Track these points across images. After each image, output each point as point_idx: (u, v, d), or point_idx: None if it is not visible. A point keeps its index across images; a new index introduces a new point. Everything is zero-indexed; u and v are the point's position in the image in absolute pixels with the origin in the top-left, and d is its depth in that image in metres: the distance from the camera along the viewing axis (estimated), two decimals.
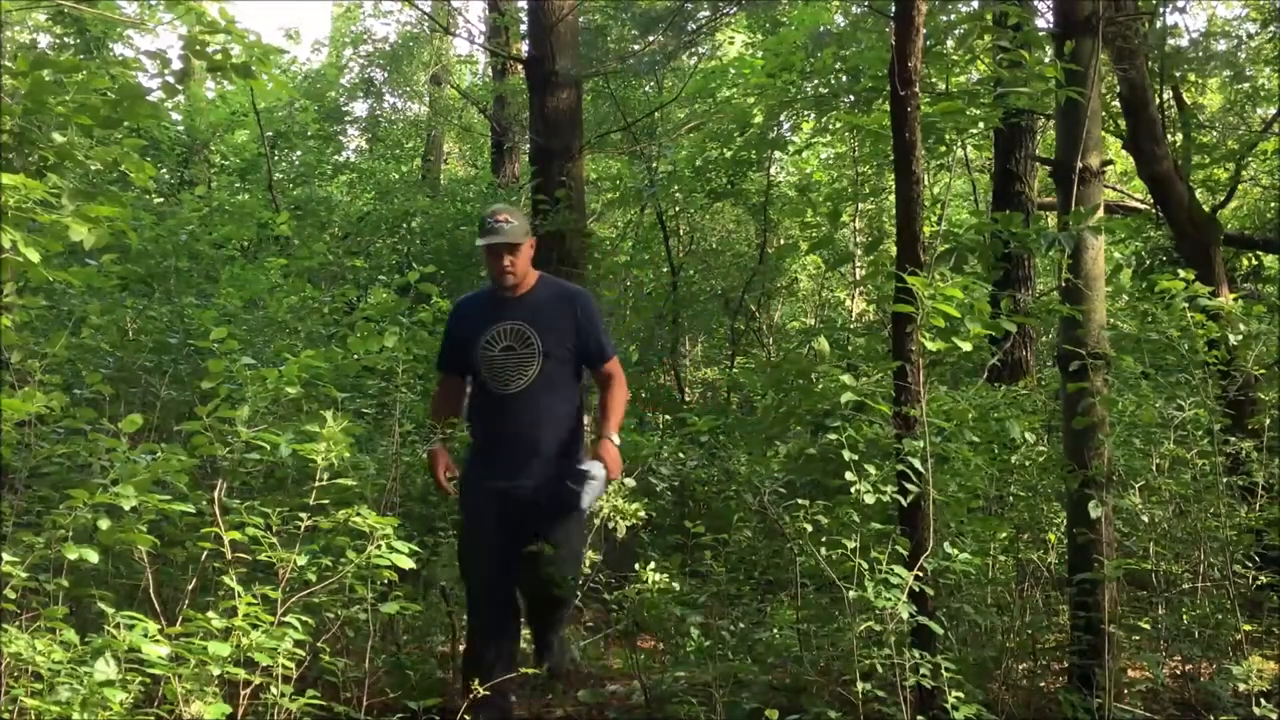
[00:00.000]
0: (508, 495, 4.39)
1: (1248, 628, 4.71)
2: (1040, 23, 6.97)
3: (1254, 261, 10.77)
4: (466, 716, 3.63)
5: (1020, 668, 4.83)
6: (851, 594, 3.96)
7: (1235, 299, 6.48)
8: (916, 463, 4.10)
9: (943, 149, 4.75)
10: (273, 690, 3.42)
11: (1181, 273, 5.26)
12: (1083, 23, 4.90)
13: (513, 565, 4.43)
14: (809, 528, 4.16)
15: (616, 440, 4.51)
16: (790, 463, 5.05)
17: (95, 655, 3.13)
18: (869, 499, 4.10)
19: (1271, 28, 9.48)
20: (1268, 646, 5.04)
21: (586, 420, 5.14)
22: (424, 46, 16.63)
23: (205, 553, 3.73)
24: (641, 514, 5.56)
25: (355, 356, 5.54)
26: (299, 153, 15.22)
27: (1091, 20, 4.90)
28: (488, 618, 4.42)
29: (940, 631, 4.09)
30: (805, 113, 9.95)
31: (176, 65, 4.69)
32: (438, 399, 4.80)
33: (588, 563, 5.11)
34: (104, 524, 3.47)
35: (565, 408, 4.50)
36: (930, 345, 4.19)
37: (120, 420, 3.82)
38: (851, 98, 8.30)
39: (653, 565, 5.25)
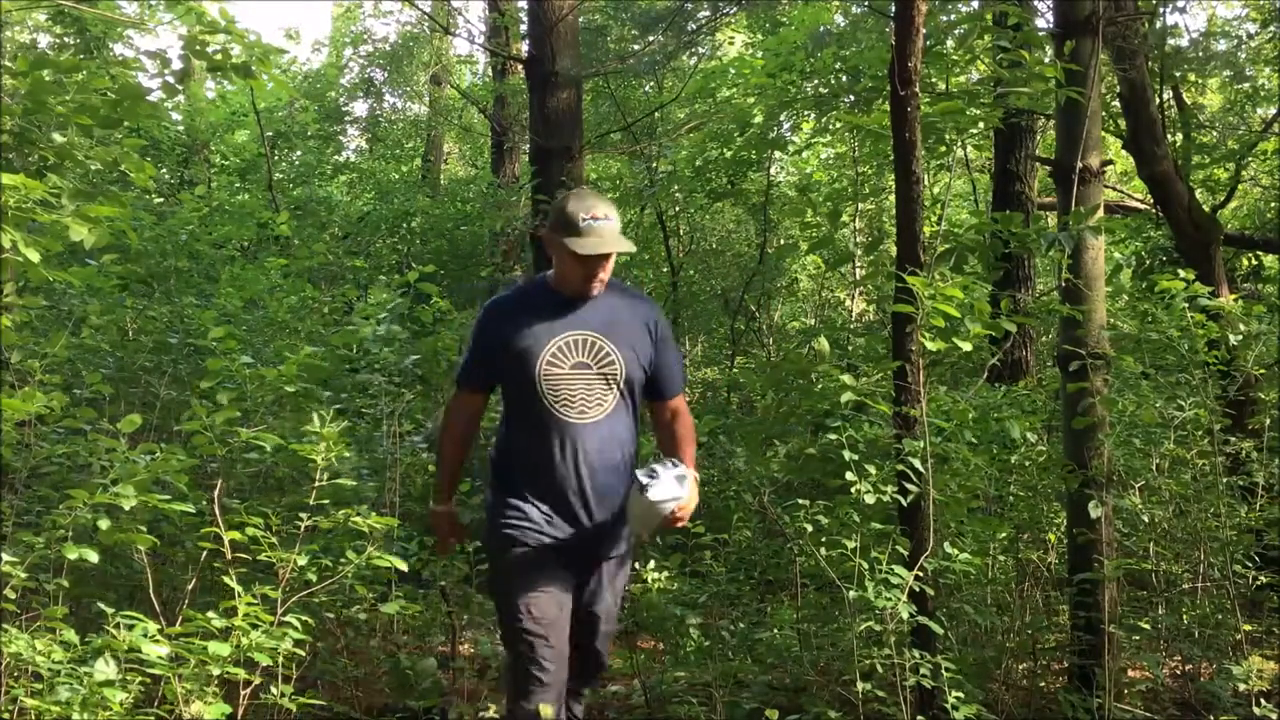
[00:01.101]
0: (570, 549, 3.48)
1: (1248, 628, 4.71)
2: (1040, 23, 6.96)
3: (1254, 261, 10.77)
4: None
5: (1020, 668, 4.83)
6: (851, 594, 3.96)
7: (1235, 299, 6.48)
8: (916, 463, 4.10)
9: (943, 149, 4.75)
10: (273, 690, 3.43)
11: (1181, 273, 5.26)
12: (1083, 23, 4.91)
13: (568, 624, 3.55)
14: (809, 528, 4.16)
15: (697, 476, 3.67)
16: (790, 463, 5.04)
17: (95, 655, 3.14)
18: (869, 499, 4.09)
19: (1271, 28, 9.48)
20: (1268, 646, 5.04)
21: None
22: (424, 46, 16.62)
23: (205, 553, 3.74)
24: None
25: (352, 352, 5.55)
26: (299, 153, 15.24)
27: (1091, 20, 4.91)
28: (553, 675, 3.45)
29: (940, 631, 4.09)
30: (805, 113, 9.95)
31: (176, 65, 4.67)
32: (453, 422, 3.72)
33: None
34: (104, 524, 3.47)
35: (633, 445, 3.62)
36: (930, 345, 4.19)
37: (120, 420, 3.82)
38: (851, 98, 8.30)
39: (653, 565, 5.26)
